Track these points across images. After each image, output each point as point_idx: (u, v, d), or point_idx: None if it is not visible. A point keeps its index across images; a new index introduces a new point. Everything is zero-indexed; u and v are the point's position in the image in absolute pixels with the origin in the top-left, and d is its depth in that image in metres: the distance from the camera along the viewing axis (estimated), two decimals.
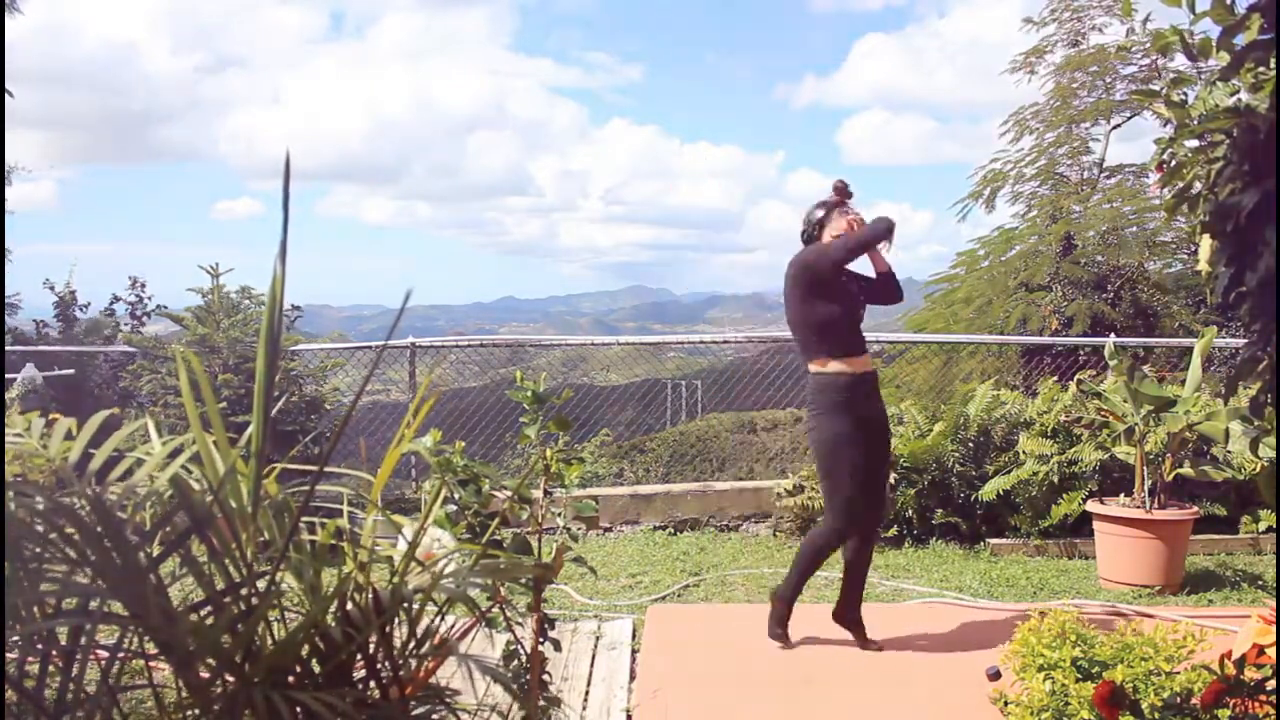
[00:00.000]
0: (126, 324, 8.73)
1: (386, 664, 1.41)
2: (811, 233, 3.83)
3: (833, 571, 5.15)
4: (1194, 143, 2.22)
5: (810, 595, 4.75)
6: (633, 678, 3.60)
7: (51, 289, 8.74)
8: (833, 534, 3.77)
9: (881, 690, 3.45)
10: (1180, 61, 2.29)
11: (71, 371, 7.33)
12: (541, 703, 2.26)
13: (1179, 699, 2.32)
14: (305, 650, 1.33)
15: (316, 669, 1.34)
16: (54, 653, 1.27)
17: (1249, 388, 1.93)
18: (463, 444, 2.29)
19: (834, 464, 3.68)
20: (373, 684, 1.40)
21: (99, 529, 1.23)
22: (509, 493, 2.20)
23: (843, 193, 3.82)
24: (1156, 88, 2.37)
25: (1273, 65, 1.87)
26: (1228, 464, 5.30)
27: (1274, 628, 2.49)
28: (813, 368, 3.75)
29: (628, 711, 3.29)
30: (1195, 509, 5.00)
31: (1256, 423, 2.12)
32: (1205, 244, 2.16)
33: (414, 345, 6.94)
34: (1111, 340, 6.11)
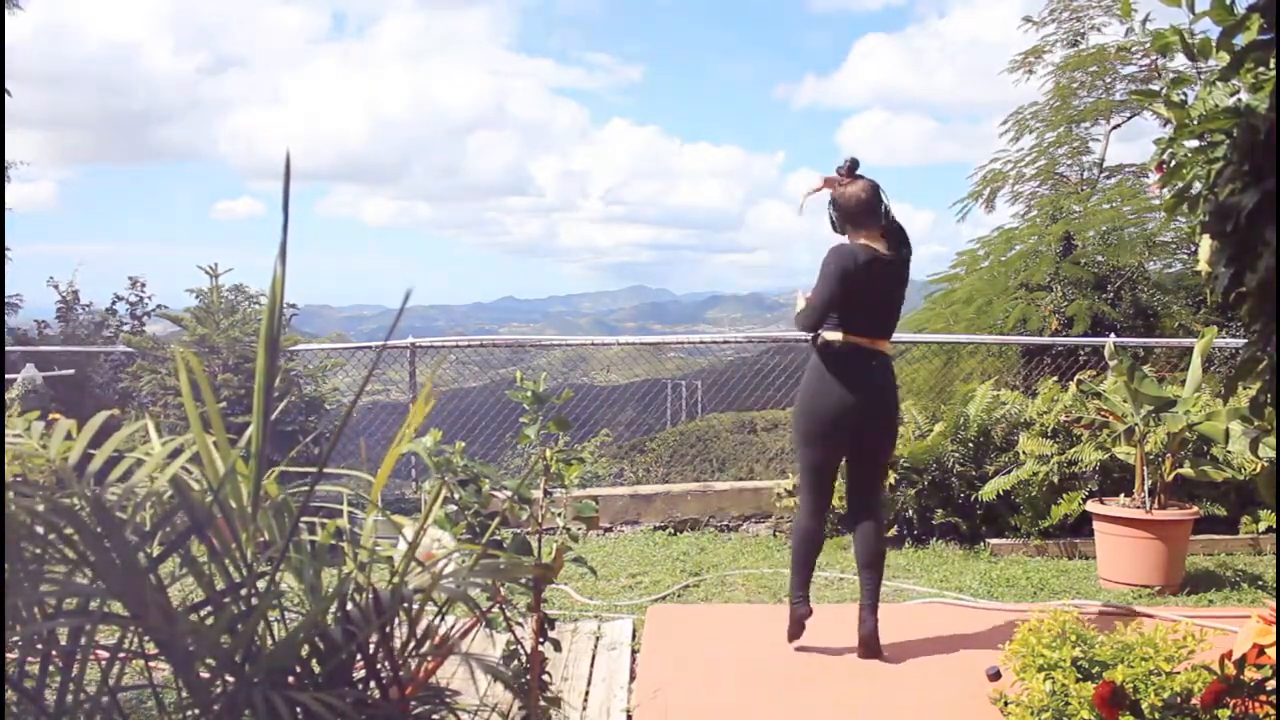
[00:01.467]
0: (126, 324, 8.74)
1: (386, 664, 1.41)
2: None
3: (832, 572, 5.16)
4: (1194, 143, 2.22)
5: (810, 595, 4.75)
6: (633, 678, 3.60)
7: (56, 288, 8.75)
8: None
9: (882, 690, 3.45)
10: (1180, 61, 2.28)
11: (71, 371, 7.33)
12: (542, 703, 2.26)
13: (1179, 699, 2.33)
14: (305, 650, 1.33)
15: (316, 669, 1.34)
16: (54, 653, 1.27)
17: (1249, 388, 1.93)
18: (463, 444, 2.29)
19: None
20: (373, 684, 1.40)
21: (99, 530, 1.23)
22: (509, 493, 2.21)
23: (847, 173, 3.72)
24: (1156, 88, 2.37)
25: (1273, 65, 1.87)
26: (1228, 464, 5.30)
27: (1274, 628, 2.49)
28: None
29: (628, 711, 3.29)
30: (1195, 509, 5.00)
31: (1256, 423, 2.12)
32: (1205, 244, 2.16)
33: (414, 345, 6.94)
34: (1111, 340, 6.11)
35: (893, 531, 5.69)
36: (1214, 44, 2.05)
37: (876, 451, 3.79)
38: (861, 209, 3.62)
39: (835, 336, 3.64)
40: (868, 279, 3.60)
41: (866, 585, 3.74)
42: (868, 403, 3.64)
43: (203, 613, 1.32)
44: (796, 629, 3.81)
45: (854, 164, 3.68)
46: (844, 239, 3.71)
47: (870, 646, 3.71)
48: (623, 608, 4.50)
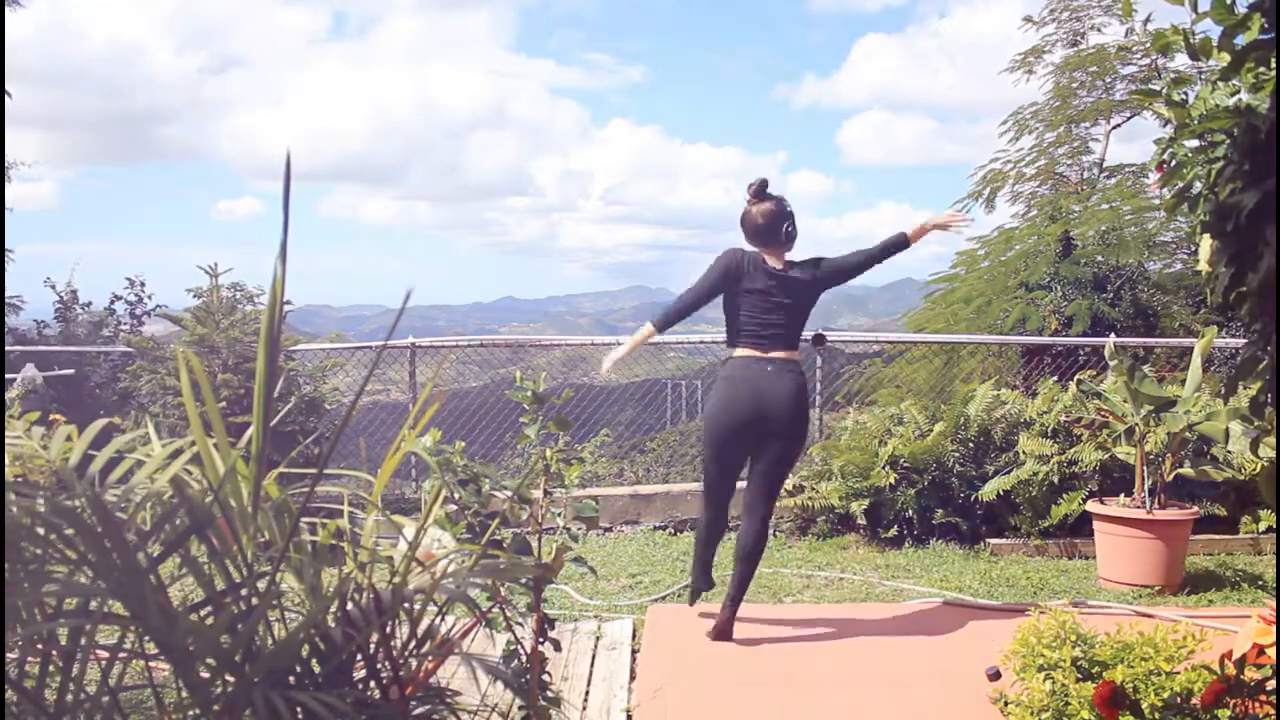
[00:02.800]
0: (125, 324, 8.73)
1: (386, 664, 1.41)
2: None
3: (832, 572, 5.16)
4: (1194, 143, 2.22)
5: (810, 595, 4.75)
6: (633, 678, 3.60)
7: (53, 288, 8.74)
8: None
9: (881, 690, 3.45)
10: (1180, 61, 2.30)
11: (71, 371, 7.32)
12: (542, 702, 2.26)
13: (1179, 699, 2.33)
14: (305, 650, 1.33)
15: (316, 669, 1.34)
16: (54, 653, 1.27)
17: (1249, 388, 1.93)
18: (463, 444, 2.29)
19: None
20: (373, 684, 1.40)
21: (99, 530, 1.23)
22: (509, 493, 2.21)
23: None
24: (1156, 88, 2.37)
25: (1273, 65, 1.87)
26: (1228, 464, 5.30)
27: (1274, 628, 2.49)
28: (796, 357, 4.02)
29: (628, 711, 3.29)
30: (1195, 509, 5.00)
31: (1256, 423, 2.12)
32: (1205, 244, 2.16)
33: (414, 345, 6.94)
34: (1111, 340, 6.10)
35: (893, 531, 5.69)
36: (1215, 44, 2.05)
37: (777, 456, 3.96)
38: (759, 229, 3.95)
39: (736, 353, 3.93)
40: (751, 285, 3.88)
41: (736, 578, 3.96)
42: (767, 410, 3.85)
43: (203, 613, 1.32)
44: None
45: (763, 184, 3.98)
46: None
47: (723, 632, 3.92)
48: (623, 608, 4.50)
